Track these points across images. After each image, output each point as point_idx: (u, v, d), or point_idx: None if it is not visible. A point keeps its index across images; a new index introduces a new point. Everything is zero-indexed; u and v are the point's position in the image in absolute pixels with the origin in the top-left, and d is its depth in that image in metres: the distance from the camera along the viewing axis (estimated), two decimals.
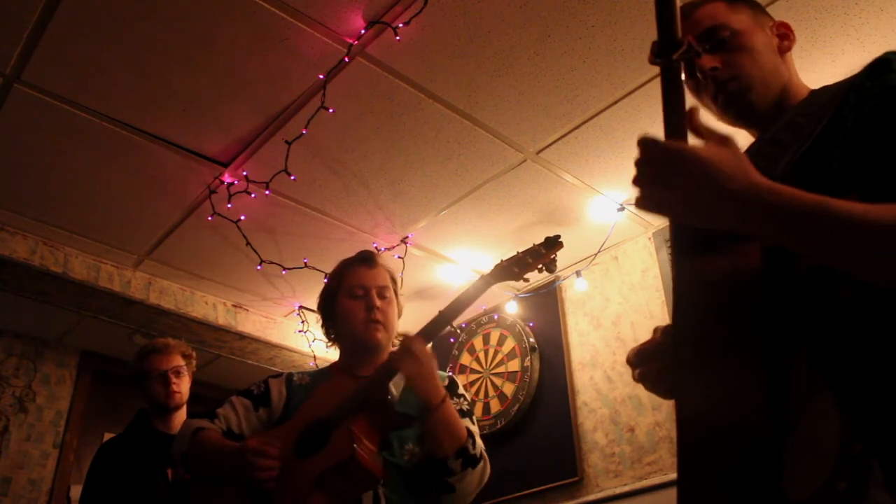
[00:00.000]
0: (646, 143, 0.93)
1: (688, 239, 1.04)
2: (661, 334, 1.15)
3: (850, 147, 0.98)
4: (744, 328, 0.93)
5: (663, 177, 0.91)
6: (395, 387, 1.83)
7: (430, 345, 1.79)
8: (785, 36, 1.26)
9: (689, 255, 1.03)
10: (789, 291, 0.95)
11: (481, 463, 1.73)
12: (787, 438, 0.88)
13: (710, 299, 0.97)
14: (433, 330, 1.79)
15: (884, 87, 1.00)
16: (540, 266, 1.76)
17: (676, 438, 0.94)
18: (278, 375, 1.96)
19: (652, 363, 1.13)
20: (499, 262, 1.80)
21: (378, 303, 1.92)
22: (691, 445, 0.92)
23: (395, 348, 1.84)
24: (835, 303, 0.92)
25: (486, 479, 1.76)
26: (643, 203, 0.94)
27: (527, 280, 1.79)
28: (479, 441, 1.76)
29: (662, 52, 0.92)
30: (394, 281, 2.02)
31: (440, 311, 1.78)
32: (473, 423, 1.83)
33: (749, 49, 1.20)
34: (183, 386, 2.70)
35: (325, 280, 2.08)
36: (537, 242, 1.78)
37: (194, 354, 2.83)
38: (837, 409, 0.86)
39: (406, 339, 1.75)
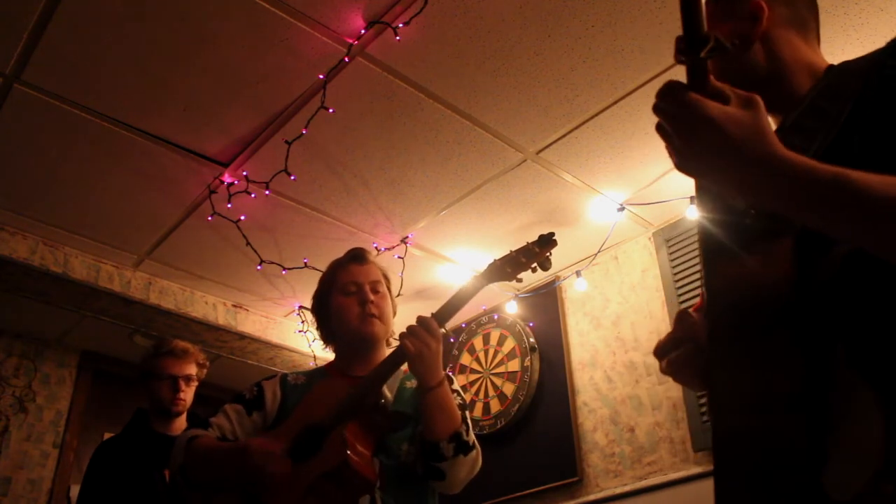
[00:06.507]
0: (667, 91, 0.86)
1: (715, 241, 1.02)
2: (682, 321, 1.13)
3: (868, 131, 0.95)
4: (777, 329, 0.91)
5: (680, 130, 0.85)
6: (389, 389, 1.82)
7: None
8: (755, 16, 1.15)
9: (718, 257, 1.00)
10: (821, 290, 0.91)
11: (473, 452, 1.71)
12: (830, 437, 0.86)
13: (742, 303, 0.95)
14: None
15: None
16: (534, 265, 1.72)
17: (712, 434, 0.94)
18: (272, 377, 1.93)
19: (678, 349, 1.12)
20: (492, 261, 1.77)
21: (372, 297, 1.90)
22: (727, 441, 0.91)
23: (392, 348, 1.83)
24: (868, 298, 0.89)
25: (476, 470, 1.74)
26: (672, 156, 0.88)
27: (520, 280, 1.75)
28: (472, 433, 1.75)
29: (689, 50, 0.85)
30: (386, 278, 2.00)
31: (432, 314, 1.75)
32: (468, 419, 1.82)
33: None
34: (189, 394, 2.69)
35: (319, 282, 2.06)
36: (531, 241, 1.74)
37: (208, 364, 2.80)
38: (879, 408, 0.83)
39: (413, 325, 1.72)
